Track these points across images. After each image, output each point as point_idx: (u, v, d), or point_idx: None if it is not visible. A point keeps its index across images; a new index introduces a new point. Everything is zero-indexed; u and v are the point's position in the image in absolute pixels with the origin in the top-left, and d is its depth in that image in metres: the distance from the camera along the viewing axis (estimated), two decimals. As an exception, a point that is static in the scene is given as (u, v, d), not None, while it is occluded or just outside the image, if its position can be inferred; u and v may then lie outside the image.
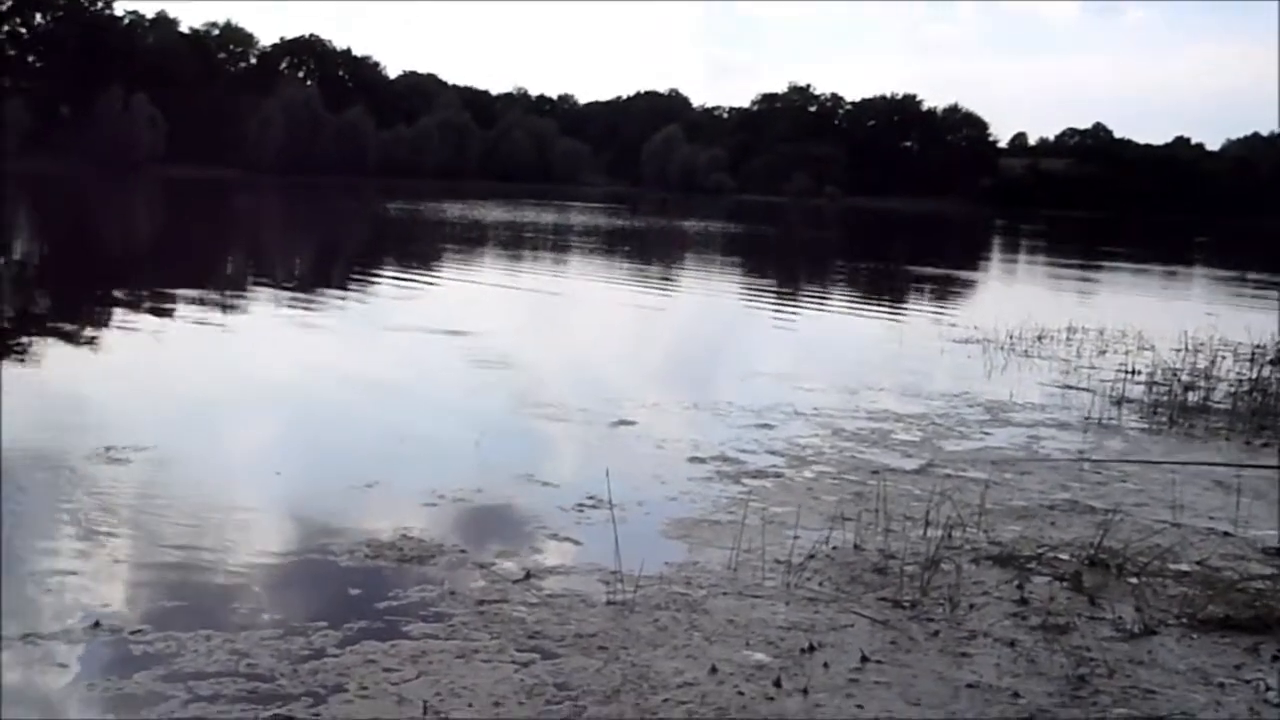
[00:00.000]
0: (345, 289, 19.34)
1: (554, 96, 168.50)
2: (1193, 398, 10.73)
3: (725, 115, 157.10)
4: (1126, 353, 13.64)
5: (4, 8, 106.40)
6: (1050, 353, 13.63)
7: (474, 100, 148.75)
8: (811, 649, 4.64)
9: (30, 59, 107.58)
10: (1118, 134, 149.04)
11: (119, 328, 13.45)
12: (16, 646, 4.32)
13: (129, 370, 10.83)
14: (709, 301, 20.77)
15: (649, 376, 12.03)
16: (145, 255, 26.60)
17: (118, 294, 16.72)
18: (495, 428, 8.67)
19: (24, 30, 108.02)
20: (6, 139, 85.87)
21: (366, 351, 12.47)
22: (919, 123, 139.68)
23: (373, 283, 20.67)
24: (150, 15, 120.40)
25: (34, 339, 12.32)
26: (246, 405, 9.54)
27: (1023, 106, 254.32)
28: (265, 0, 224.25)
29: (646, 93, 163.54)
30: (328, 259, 28.52)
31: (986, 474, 7.61)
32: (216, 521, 6.08)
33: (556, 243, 36.68)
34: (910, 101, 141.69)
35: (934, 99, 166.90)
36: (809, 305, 20.07)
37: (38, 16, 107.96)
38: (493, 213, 54.52)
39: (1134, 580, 5.54)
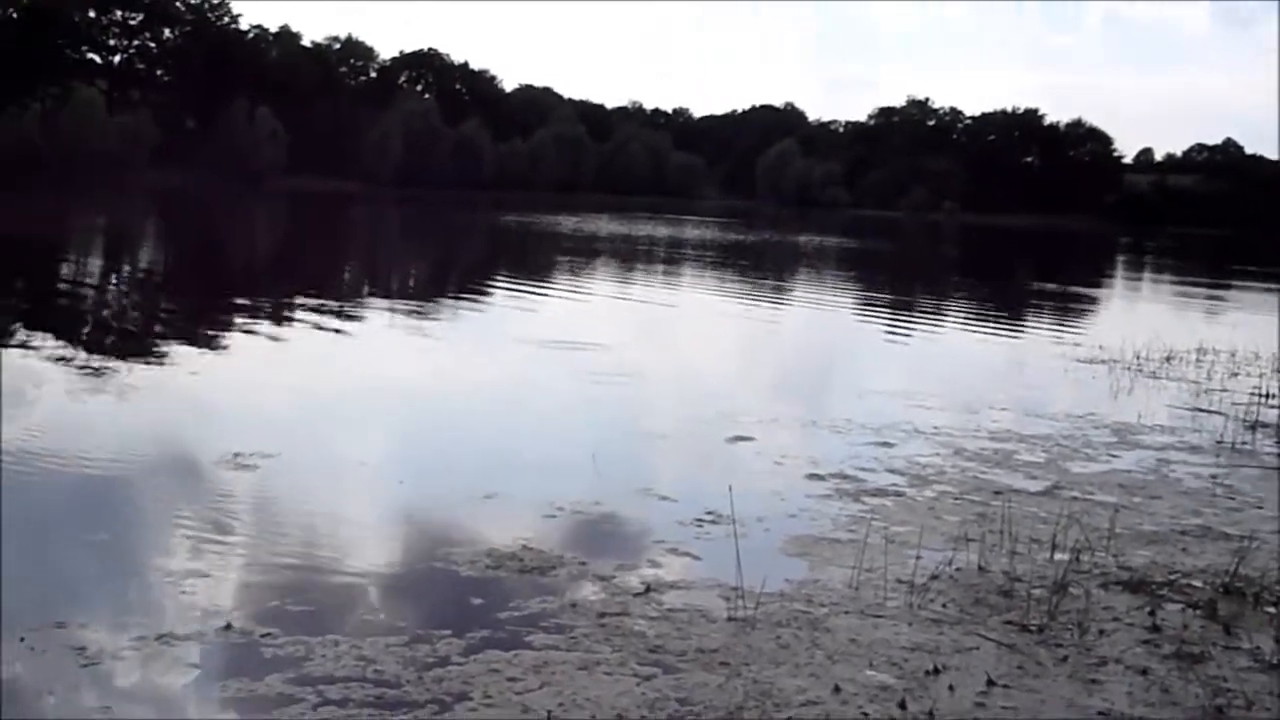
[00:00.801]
0: (461, 300, 19.56)
1: (669, 110, 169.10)
2: (1330, 423, 10.38)
3: (841, 129, 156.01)
4: (1260, 375, 13.22)
5: (133, 23, 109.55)
6: (1179, 374, 13.28)
7: (589, 114, 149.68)
8: (936, 671, 4.56)
9: (158, 73, 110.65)
10: (1249, 150, 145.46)
11: (243, 335, 13.75)
12: (152, 646, 4.43)
13: (253, 377, 11.06)
14: (824, 316, 20.63)
15: (764, 391, 11.98)
16: (267, 265, 27.21)
17: (242, 302, 17.11)
18: (611, 440, 8.69)
19: (152, 45, 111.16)
20: (135, 152, 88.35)
21: (482, 362, 12.59)
22: (1041, 137, 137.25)
23: (488, 294, 20.89)
24: (274, 29, 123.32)
25: (162, 346, 12.64)
26: (367, 414, 9.69)
27: (1149, 121, 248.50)
28: None
29: (762, 106, 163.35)
30: (444, 270, 28.89)
31: (1115, 497, 7.43)
32: (341, 528, 6.18)
33: (670, 256, 36.74)
34: (1032, 116, 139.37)
35: (1057, 113, 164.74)
36: (926, 321, 19.84)
37: (166, 31, 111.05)
38: (607, 226, 54.82)
39: (1272, 610, 5.37)
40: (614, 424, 9.46)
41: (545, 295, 20.83)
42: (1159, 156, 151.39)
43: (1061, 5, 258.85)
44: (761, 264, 36.34)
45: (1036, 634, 5.00)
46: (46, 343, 11.99)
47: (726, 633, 4.89)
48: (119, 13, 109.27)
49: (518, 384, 11.34)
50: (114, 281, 20.20)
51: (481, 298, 20.18)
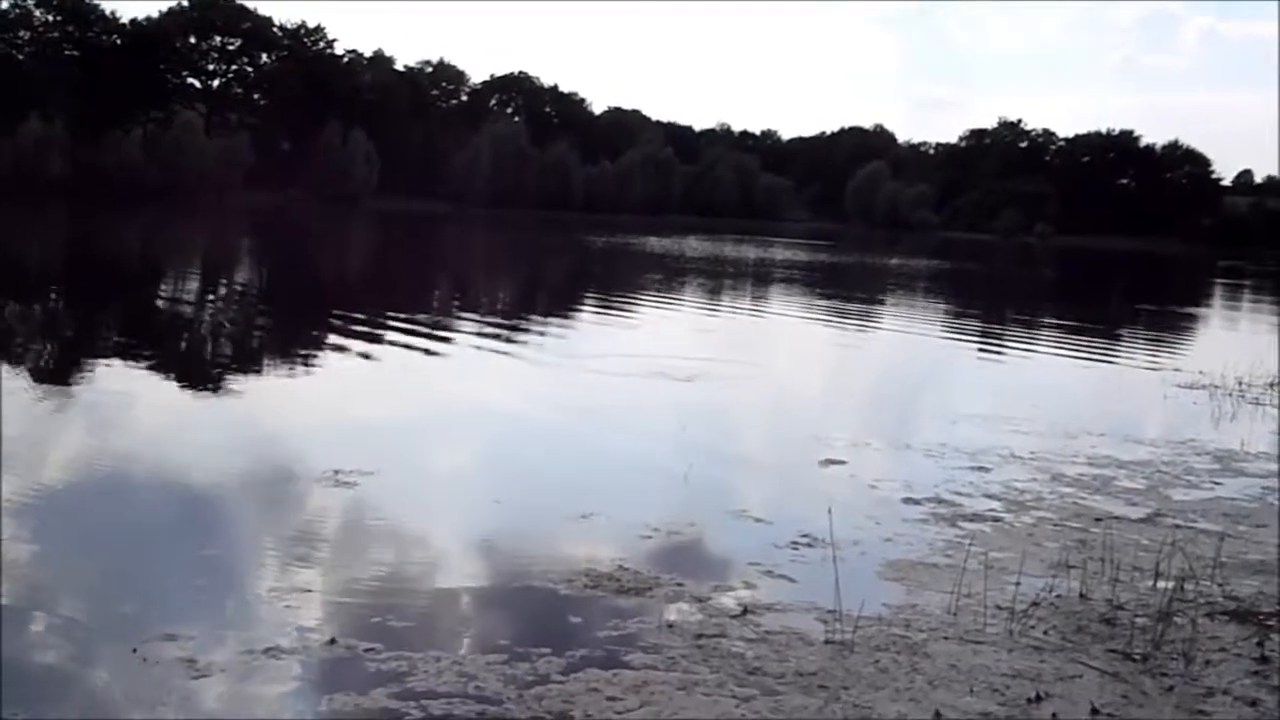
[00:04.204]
0: (552, 319, 19.70)
1: (757, 132, 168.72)
2: None
3: (931, 151, 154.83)
4: (1366, 402, 12.90)
5: (232, 48, 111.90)
6: (1282, 400, 12.99)
7: (677, 136, 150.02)
8: (1039, 699, 4.51)
9: (255, 96, 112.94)
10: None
11: (339, 353, 13.95)
12: (259, 659, 4.52)
13: (350, 396, 11.23)
14: (915, 339, 20.46)
15: (856, 414, 11.91)
16: (361, 284, 27.57)
17: (338, 320, 17.37)
18: (703, 462, 8.68)
19: (250, 69, 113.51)
20: (232, 174, 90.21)
21: (573, 381, 12.66)
22: (1136, 159, 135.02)
23: (578, 314, 21.01)
24: (368, 54, 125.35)
25: (262, 363, 12.89)
26: (462, 433, 9.80)
27: (1248, 141, 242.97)
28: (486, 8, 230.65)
29: (851, 128, 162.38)
30: (535, 290, 29.10)
31: (1219, 525, 7.29)
32: (441, 546, 6.26)
33: (759, 277, 36.69)
34: (1127, 137, 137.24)
35: (1153, 134, 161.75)
36: (1020, 345, 19.60)
37: (263, 56, 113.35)
38: (696, 247, 54.87)
39: (1386, 643, 5.23)
40: (706, 446, 9.45)
41: (635, 315, 20.90)
42: (1259, 178, 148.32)
43: (1157, 23, 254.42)
44: (851, 286, 36.15)
45: (1141, 663, 4.92)
46: (149, 359, 12.26)
47: (824, 656, 4.88)
48: (218, 38, 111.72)
49: (609, 404, 11.39)
50: (213, 299, 20.62)
51: (572, 317, 20.30)
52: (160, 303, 19.54)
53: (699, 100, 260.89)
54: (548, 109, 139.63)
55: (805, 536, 6.55)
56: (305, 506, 6.78)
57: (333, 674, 4.43)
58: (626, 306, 22.80)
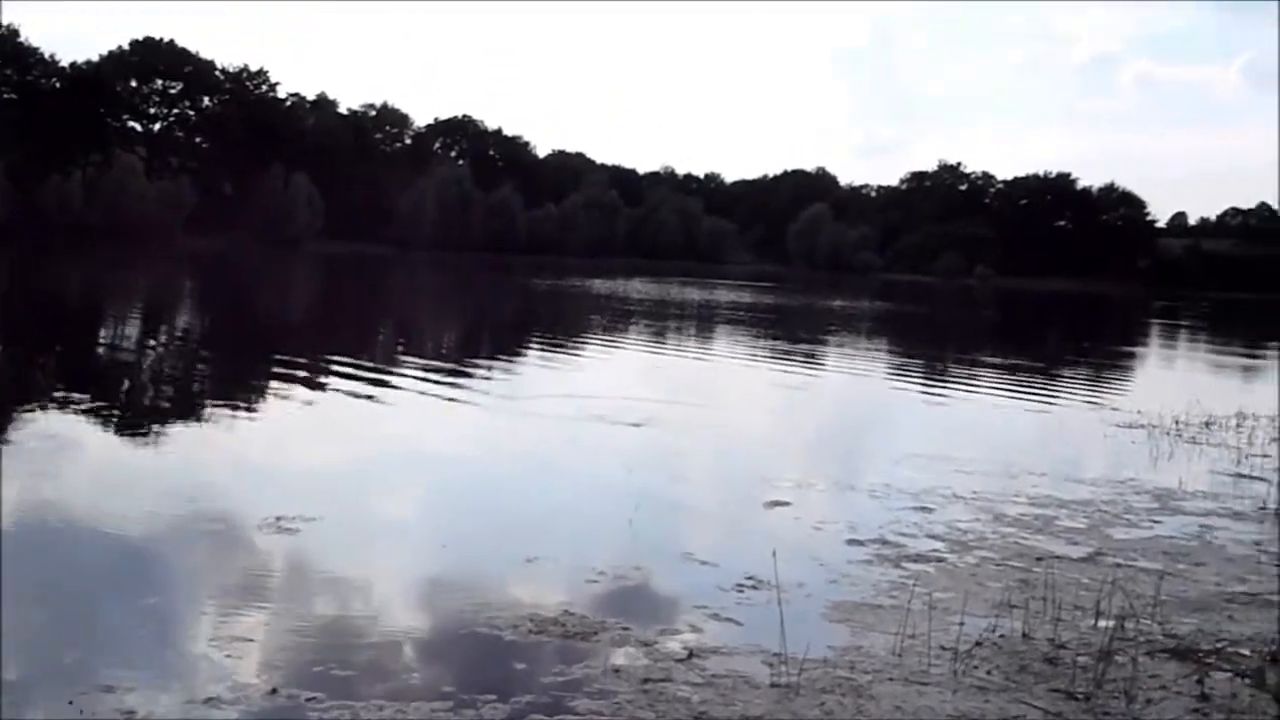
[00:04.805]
0: (496, 363, 19.65)
1: (701, 175, 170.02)
2: (1375, 489, 10.29)
3: (873, 194, 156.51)
4: (1301, 441, 13.13)
5: (173, 91, 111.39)
6: (1219, 440, 13.18)
7: (621, 178, 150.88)
8: (983, 740, 4.53)
9: (197, 140, 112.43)
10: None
11: (282, 398, 13.85)
12: (199, 709, 4.46)
13: (293, 441, 11.14)
14: (859, 380, 20.61)
15: (801, 456, 11.96)
16: (303, 328, 27.40)
17: (280, 365, 17.24)
18: (648, 505, 8.66)
19: (192, 113, 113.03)
20: (173, 217, 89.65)
21: (518, 426, 12.61)
22: (1073, 202, 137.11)
23: (523, 357, 20.98)
24: (311, 97, 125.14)
25: (200, 409, 12.76)
26: (407, 478, 9.74)
27: (1183, 185, 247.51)
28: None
29: (794, 171, 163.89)
30: (479, 333, 29.04)
31: (1159, 564, 7.38)
32: (384, 592, 6.21)
33: (704, 319, 36.82)
34: (1064, 180, 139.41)
35: (1089, 176, 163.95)
36: (961, 386, 19.77)
37: (205, 99, 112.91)
38: (640, 289, 55.02)
39: (1322, 679, 5.30)
40: (650, 489, 9.44)
41: (579, 358, 20.91)
42: (1193, 220, 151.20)
43: (1095, 68, 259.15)
44: (795, 328, 36.36)
45: (1083, 702, 4.96)
46: (86, 404, 12.10)
47: (770, 699, 4.88)
48: (159, 81, 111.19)
49: (554, 448, 11.37)
50: (152, 343, 20.40)
51: (516, 361, 20.27)
52: (99, 347, 19.31)
53: (643, 143, 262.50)
54: (492, 152, 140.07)
55: (750, 579, 6.55)
56: (247, 554, 6.71)
57: (274, 724, 4.37)
58: (571, 349, 22.81)
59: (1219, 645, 5.69)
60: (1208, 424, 14.14)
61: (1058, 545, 7.82)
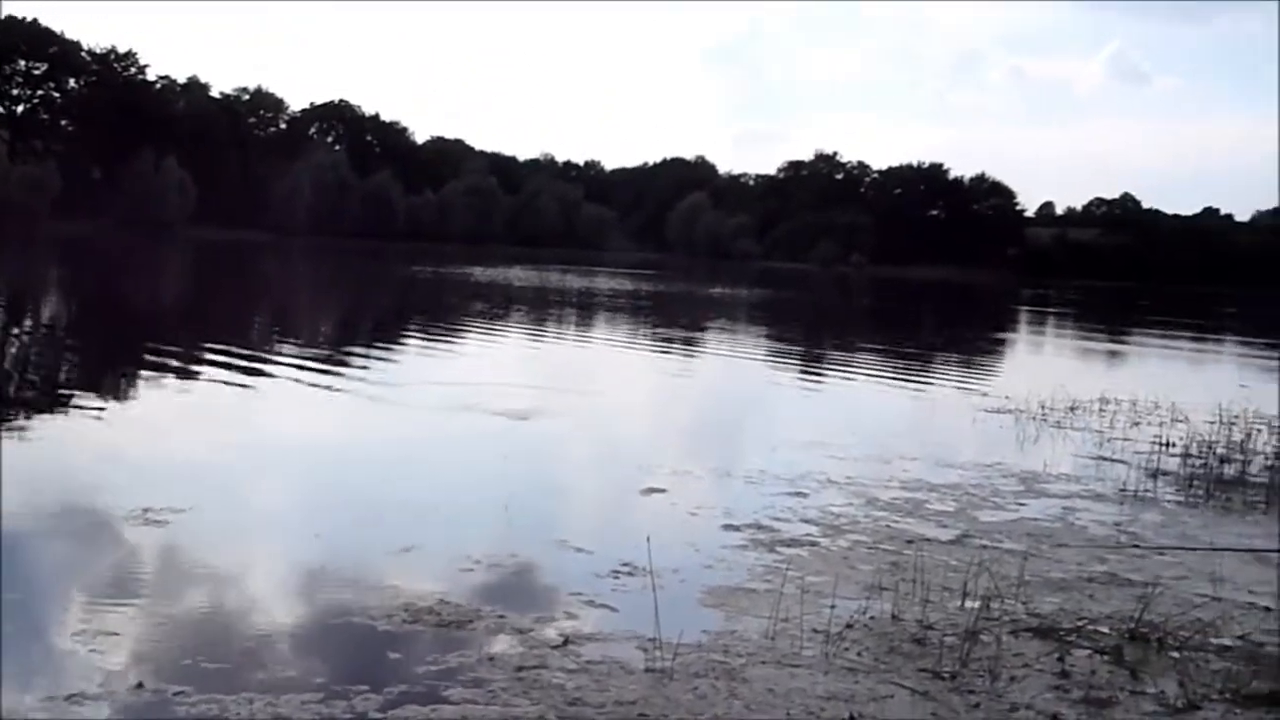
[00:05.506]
0: (372, 351, 19.44)
1: (580, 162, 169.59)
2: (1229, 470, 10.69)
3: (751, 182, 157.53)
4: (1160, 425, 13.56)
5: (37, 72, 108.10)
6: (1083, 424, 13.57)
7: (501, 165, 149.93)
8: (852, 719, 4.61)
9: (63, 122, 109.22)
10: (1146, 204, 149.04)
11: (151, 388, 13.56)
12: (61, 706, 4.35)
13: (162, 431, 10.89)
14: (735, 367, 20.78)
15: (677, 442, 12.04)
16: (173, 316, 26.82)
17: (149, 354, 16.86)
18: (524, 493, 8.68)
19: (57, 94, 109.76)
20: (37, 201, 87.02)
21: (393, 414, 12.50)
22: (946, 191, 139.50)
23: (399, 345, 20.79)
24: (182, 80, 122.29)
25: (67, 398, 12.42)
26: (279, 467, 9.60)
27: (1050, 175, 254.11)
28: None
29: (673, 159, 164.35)
30: (354, 321, 28.69)
31: (1023, 545, 7.58)
32: (256, 583, 6.12)
33: (582, 307, 36.83)
34: (937, 170, 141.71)
35: (961, 167, 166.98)
36: (836, 373, 20.07)
37: (70, 81, 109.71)
38: (520, 277, 54.83)
39: (1176, 655, 5.50)
40: (527, 476, 9.46)
41: (458, 347, 20.77)
42: (1060, 210, 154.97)
43: (964, 62, 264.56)
44: (672, 315, 36.54)
45: (950, 681, 5.08)
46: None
47: (645, 684, 4.91)
48: (22, 62, 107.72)
49: (430, 436, 11.31)
50: (15, 332, 19.80)
51: (393, 349, 20.07)
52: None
53: (522, 131, 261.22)
54: (369, 138, 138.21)
55: (626, 565, 6.59)
56: (114, 546, 6.56)
57: (140, 719, 4.29)
58: (450, 337, 22.65)
59: (1080, 624, 5.87)
60: (1072, 409, 14.54)
61: (927, 528, 7.99)
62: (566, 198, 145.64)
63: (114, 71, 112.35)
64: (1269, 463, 11.14)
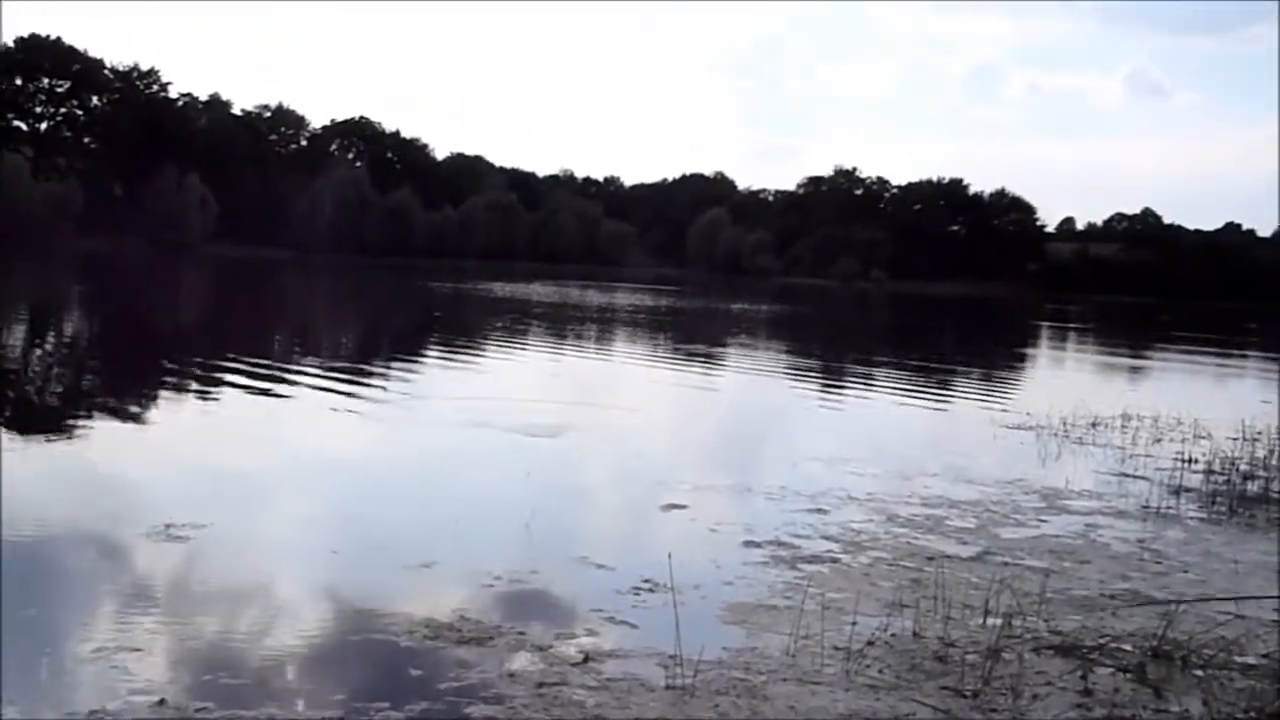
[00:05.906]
0: (394, 367, 19.49)
1: (600, 178, 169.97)
2: (1252, 487, 10.63)
3: (771, 198, 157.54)
4: (1183, 441, 13.49)
5: (60, 90, 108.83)
6: (1105, 440, 13.51)
7: (521, 182, 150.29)
8: (874, 738, 4.60)
9: (86, 140, 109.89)
10: (1167, 219, 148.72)
11: (173, 404, 13.63)
12: (84, 722, 4.36)
13: (184, 447, 10.94)
14: (756, 383, 20.77)
15: (698, 459, 12.03)
16: (196, 333, 26.93)
17: (172, 370, 16.95)
18: (545, 509, 8.67)
19: (80, 112, 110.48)
20: (61, 219, 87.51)
21: (415, 430, 12.54)
22: (966, 207, 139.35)
23: (421, 361, 20.84)
24: (204, 97, 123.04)
25: (90, 414, 12.48)
26: (301, 483, 9.62)
27: (1070, 190, 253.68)
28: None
29: (692, 175, 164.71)
30: (375, 337, 28.77)
31: (1045, 562, 7.55)
32: (278, 599, 6.13)
33: (603, 322, 36.85)
34: (957, 185, 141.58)
35: (981, 182, 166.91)
36: (856, 389, 20.03)
37: (93, 99, 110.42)
38: (541, 292, 54.92)
39: (1199, 673, 5.47)
40: (548, 492, 9.45)
41: (479, 362, 20.80)
42: (1080, 225, 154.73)
43: (983, 76, 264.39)
44: (693, 331, 36.55)
45: (972, 699, 5.06)
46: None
47: (665, 701, 4.90)
48: (46, 80, 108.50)
49: (451, 452, 11.32)
50: (40, 347, 19.91)
51: (415, 365, 20.12)
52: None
53: (542, 147, 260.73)
54: (389, 154, 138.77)
55: (647, 582, 6.58)
56: (135, 562, 6.58)
57: (162, 736, 4.30)
58: (472, 353, 22.69)
59: (1102, 641, 5.84)
60: (1094, 425, 14.49)
61: (948, 545, 7.96)
62: (586, 214, 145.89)
63: (136, 89, 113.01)
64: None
